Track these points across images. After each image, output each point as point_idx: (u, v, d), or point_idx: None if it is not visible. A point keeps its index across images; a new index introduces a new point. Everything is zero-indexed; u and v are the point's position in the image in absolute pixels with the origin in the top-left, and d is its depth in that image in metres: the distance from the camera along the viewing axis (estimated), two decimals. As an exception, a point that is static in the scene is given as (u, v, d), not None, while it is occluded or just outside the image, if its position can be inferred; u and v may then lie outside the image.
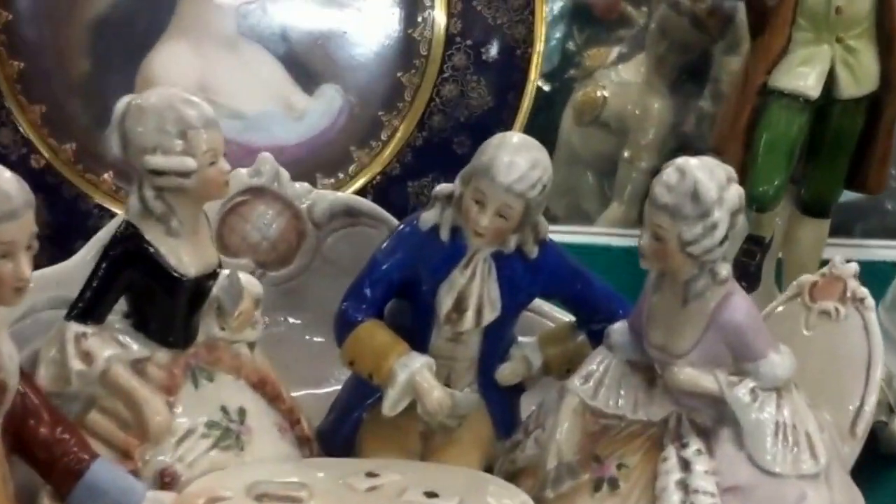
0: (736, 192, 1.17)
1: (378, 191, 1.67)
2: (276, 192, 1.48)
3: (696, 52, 2.58)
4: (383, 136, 1.69)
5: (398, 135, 1.69)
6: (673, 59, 2.52)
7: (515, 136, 1.28)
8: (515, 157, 1.24)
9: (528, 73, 1.71)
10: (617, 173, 2.58)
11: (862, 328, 1.24)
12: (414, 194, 1.68)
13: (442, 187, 1.29)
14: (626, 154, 2.53)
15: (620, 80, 2.56)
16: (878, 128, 1.61)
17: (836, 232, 1.75)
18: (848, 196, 1.77)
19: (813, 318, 1.28)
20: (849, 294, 1.26)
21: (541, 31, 1.71)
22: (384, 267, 1.30)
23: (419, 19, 1.69)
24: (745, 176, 1.60)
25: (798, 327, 1.27)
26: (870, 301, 1.25)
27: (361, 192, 1.65)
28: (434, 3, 1.69)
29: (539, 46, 1.71)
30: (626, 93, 2.50)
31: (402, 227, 1.31)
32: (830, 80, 1.58)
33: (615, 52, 2.61)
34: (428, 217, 1.29)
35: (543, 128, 2.64)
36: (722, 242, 1.15)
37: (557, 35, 2.76)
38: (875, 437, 1.36)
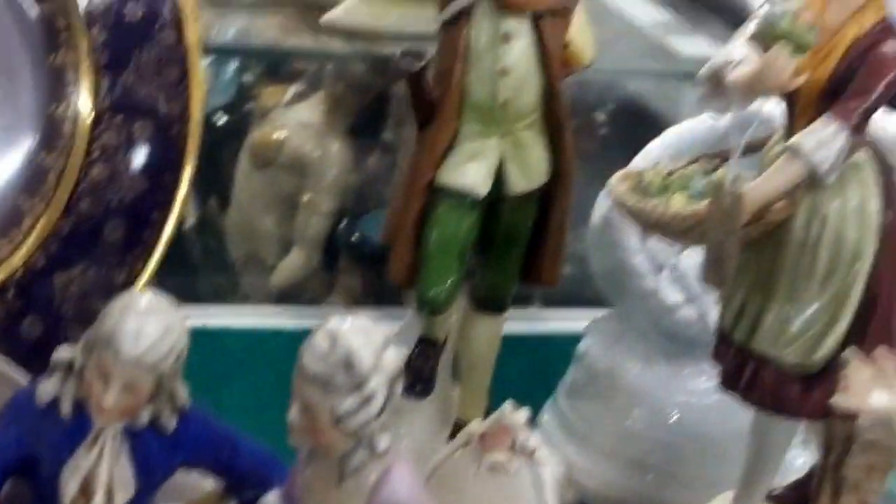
0: (394, 357, 1.08)
1: (20, 287, 1.52)
2: None
3: (375, 94, 2.54)
4: (25, 225, 1.54)
5: (41, 223, 1.54)
6: (351, 100, 2.46)
7: (144, 298, 1.15)
8: (144, 324, 1.11)
9: (184, 153, 1.59)
10: (297, 217, 2.50)
11: (531, 485, 1.18)
12: (61, 286, 1.54)
13: (60, 354, 1.15)
14: (306, 197, 2.47)
15: (299, 120, 2.50)
16: (550, 221, 1.55)
17: (514, 301, 1.70)
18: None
19: (482, 470, 1.20)
20: (518, 445, 1.19)
21: (198, 107, 1.59)
22: None
23: (62, 94, 1.55)
24: (414, 276, 1.53)
25: (466, 479, 1.19)
26: (541, 454, 1.18)
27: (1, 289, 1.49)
28: (79, 76, 1.55)
29: (196, 122, 1.59)
30: (305, 134, 2.44)
31: (16, 396, 1.16)
32: (500, 176, 1.52)
33: (292, 91, 2.54)
34: (46, 388, 1.15)
35: (221, 165, 2.56)
36: (380, 413, 1.06)
37: (233, 66, 2.68)
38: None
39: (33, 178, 1.55)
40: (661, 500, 1.66)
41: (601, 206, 1.74)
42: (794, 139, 1.34)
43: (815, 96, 1.35)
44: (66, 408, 1.15)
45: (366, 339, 1.06)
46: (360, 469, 1.08)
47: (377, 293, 2.27)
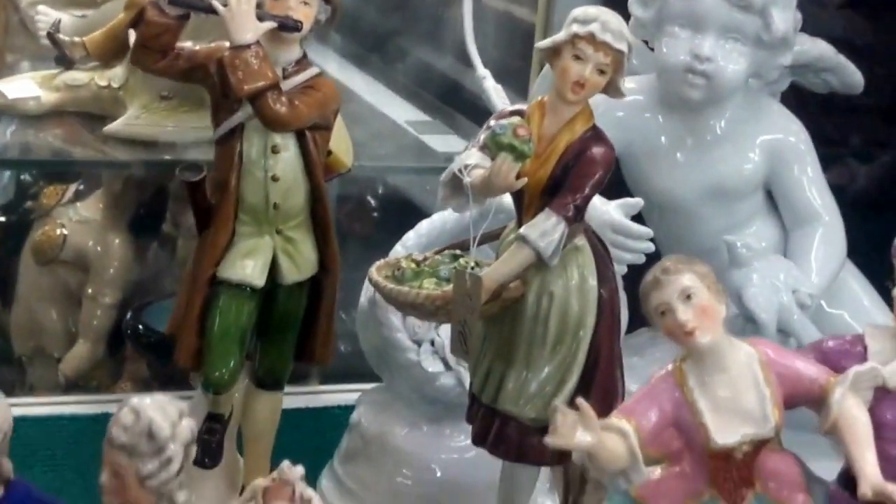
0: (187, 426, 1.28)
1: None
2: None
3: (152, 190, 2.68)
4: None
5: None
6: (129, 196, 2.60)
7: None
8: None
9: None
10: (81, 311, 2.61)
11: (311, 534, 1.37)
12: None
13: None
14: (89, 290, 2.58)
15: (79, 217, 2.60)
16: (321, 307, 1.76)
17: (293, 378, 1.89)
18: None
19: (267, 522, 1.39)
20: (297, 497, 1.38)
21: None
22: None
23: None
24: (200, 361, 1.72)
25: (252, 533, 1.38)
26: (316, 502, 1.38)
27: None
28: None
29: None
30: (86, 230, 2.54)
31: None
32: (274, 268, 1.71)
33: (71, 189, 2.64)
34: None
35: (2, 264, 2.65)
36: (178, 473, 1.26)
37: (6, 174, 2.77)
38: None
39: None
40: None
41: (367, 289, 1.94)
42: (522, 230, 1.57)
43: (539, 193, 1.58)
44: None
45: (163, 412, 1.26)
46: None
47: (163, 377, 2.41)
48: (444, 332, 1.91)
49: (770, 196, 1.99)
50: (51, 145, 2.21)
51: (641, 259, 1.82)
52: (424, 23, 2.87)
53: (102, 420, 1.93)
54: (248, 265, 1.70)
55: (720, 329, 1.35)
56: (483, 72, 2.10)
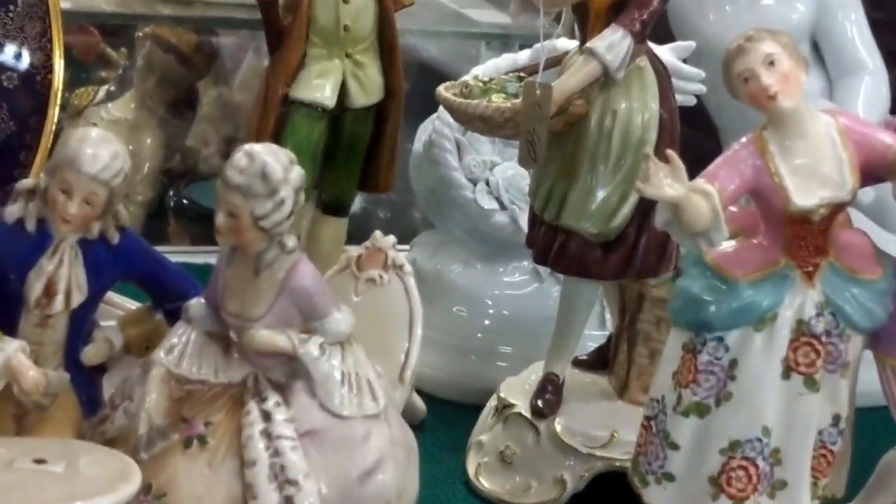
0: (298, 173, 1.33)
1: None
2: None
3: (184, 88, 2.73)
4: None
5: None
6: (160, 94, 2.65)
7: (94, 131, 1.38)
8: (98, 148, 1.34)
9: (48, 98, 1.77)
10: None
11: (403, 291, 1.44)
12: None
13: (23, 182, 1.37)
14: (122, 189, 2.62)
15: (111, 117, 2.65)
16: (385, 133, 1.81)
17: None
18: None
19: (361, 286, 1.45)
20: (389, 262, 1.45)
21: (59, 57, 1.78)
22: None
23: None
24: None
25: (349, 294, 1.44)
26: (408, 267, 1.45)
27: None
28: (-49, 30, 1.72)
29: (58, 72, 1.78)
30: (118, 130, 2.58)
31: None
32: (343, 91, 1.76)
33: (103, 90, 2.69)
34: (12, 211, 1.37)
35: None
36: (289, 216, 1.31)
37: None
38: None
39: None
40: (483, 376, 1.90)
41: (421, 135, 2.01)
42: (589, 43, 1.63)
43: (604, 10, 1.63)
44: (30, 225, 1.36)
45: (275, 156, 1.32)
46: (272, 263, 1.32)
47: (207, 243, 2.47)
48: (499, 172, 1.98)
49: (816, 48, 2.05)
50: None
51: (692, 101, 1.88)
52: None
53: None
54: (319, 86, 1.74)
55: (801, 96, 1.40)
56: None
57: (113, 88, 2.76)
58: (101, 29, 2.73)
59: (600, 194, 1.66)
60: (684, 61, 1.89)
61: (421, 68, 2.52)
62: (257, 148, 1.31)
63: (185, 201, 2.62)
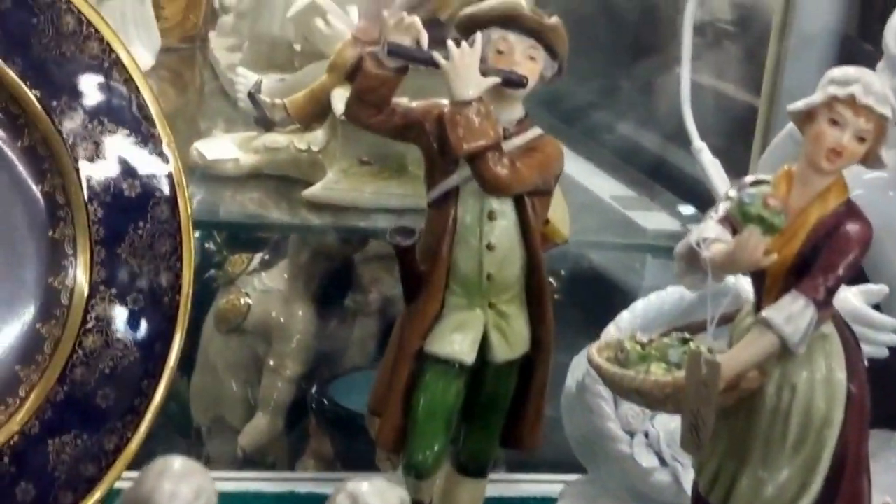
0: None
1: (14, 453, 1.57)
2: None
3: (339, 261, 2.62)
4: (21, 393, 1.59)
5: (36, 390, 1.59)
6: (315, 267, 2.53)
7: (177, 462, 1.22)
8: (178, 486, 1.18)
9: (175, 322, 1.65)
10: (262, 382, 2.57)
11: None
12: (55, 452, 1.59)
13: None
14: (271, 362, 2.55)
15: (264, 287, 2.58)
16: (531, 388, 1.63)
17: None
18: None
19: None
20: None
21: (189, 278, 1.66)
22: None
23: (61, 266, 1.61)
24: (402, 441, 1.59)
25: None
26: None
27: (-4, 453, 1.54)
28: (76, 249, 1.61)
29: (187, 293, 1.66)
30: (270, 300, 2.51)
31: None
32: (484, 345, 1.59)
33: (257, 259, 2.62)
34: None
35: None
36: None
37: (196, 234, 2.73)
38: None
39: (30, 347, 1.61)
40: None
41: (575, 372, 1.81)
42: (765, 313, 1.42)
43: (783, 273, 1.44)
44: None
45: (382, 500, 1.14)
46: None
47: (349, 457, 2.32)
48: (660, 423, 1.78)
49: None
50: (246, 208, 2.14)
51: (884, 353, 1.66)
52: (628, 94, 2.75)
53: (288, 499, 1.84)
54: (457, 340, 1.58)
55: None
56: (700, 144, 1.97)
57: (268, 257, 2.67)
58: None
59: (776, 481, 1.47)
60: (875, 307, 1.67)
61: (579, 277, 2.35)
62: (362, 488, 1.14)
63: (326, 401, 2.47)
